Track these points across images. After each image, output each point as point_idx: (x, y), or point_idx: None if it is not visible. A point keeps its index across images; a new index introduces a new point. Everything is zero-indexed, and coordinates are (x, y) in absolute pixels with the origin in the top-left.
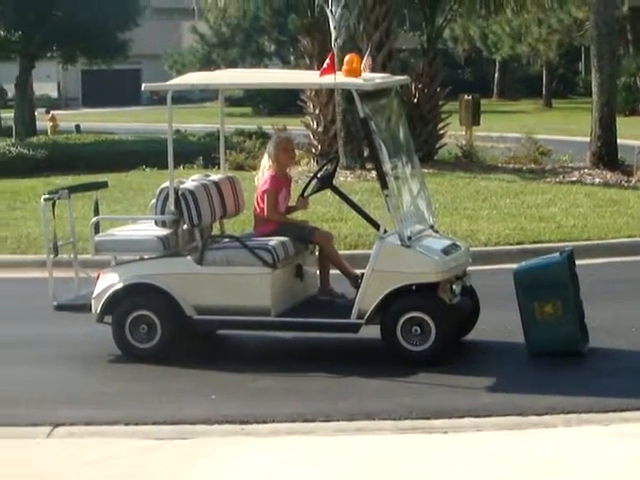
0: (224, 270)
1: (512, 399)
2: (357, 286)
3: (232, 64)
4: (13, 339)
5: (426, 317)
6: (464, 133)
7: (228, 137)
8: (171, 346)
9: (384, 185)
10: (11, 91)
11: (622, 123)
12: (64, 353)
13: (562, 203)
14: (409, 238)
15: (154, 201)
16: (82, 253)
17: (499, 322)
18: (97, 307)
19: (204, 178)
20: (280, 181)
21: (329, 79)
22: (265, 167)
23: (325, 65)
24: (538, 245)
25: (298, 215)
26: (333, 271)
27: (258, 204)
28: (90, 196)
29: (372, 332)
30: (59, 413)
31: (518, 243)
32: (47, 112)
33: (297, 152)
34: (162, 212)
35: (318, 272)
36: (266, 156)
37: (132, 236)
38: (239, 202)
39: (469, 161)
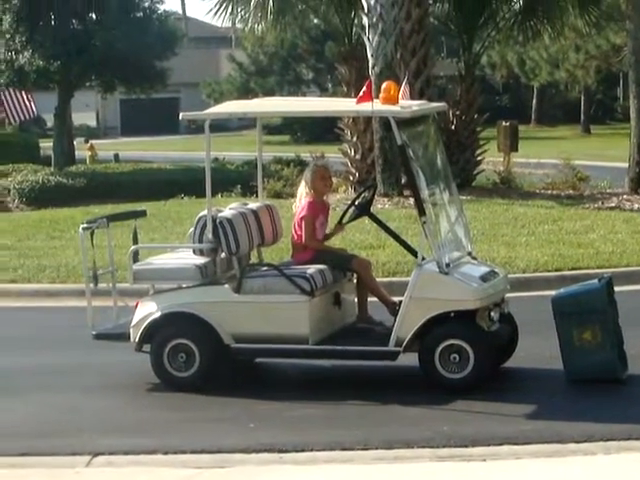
0: (262, 298)
1: (551, 426)
2: (395, 314)
3: (270, 92)
4: (52, 368)
5: (464, 344)
6: (502, 159)
7: (266, 165)
8: (209, 375)
9: (422, 212)
10: (50, 121)
11: None
12: (103, 382)
13: (600, 229)
14: (447, 265)
15: (192, 229)
16: (120, 282)
17: (537, 349)
18: (135, 336)
19: (242, 206)
20: (317, 208)
21: (366, 107)
22: (302, 194)
23: (362, 93)
24: (576, 272)
25: (336, 242)
26: (371, 299)
27: (296, 231)
28: (128, 225)
29: (410, 360)
30: (98, 442)
31: (556, 270)
32: (86, 141)
33: (335, 180)
34: (200, 240)
35: (356, 300)
36: (303, 183)
37: (170, 265)
38: (277, 230)
39: (507, 187)
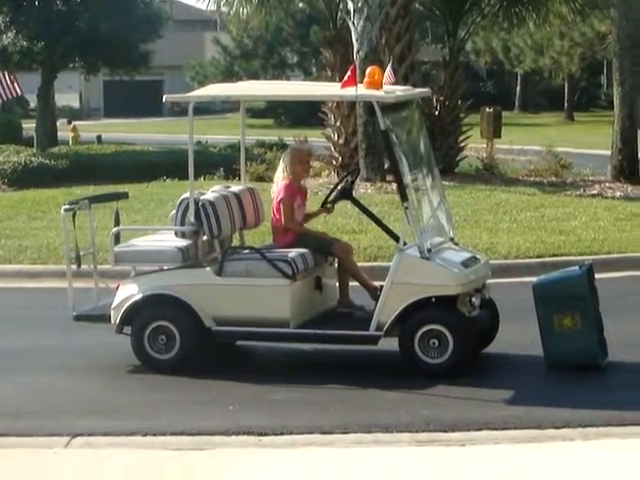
0: (243, 281)
1: (530, 412)
2: (376, 298)
3: (254, 76)
4: (32, 349)
5: (444, 330)
6: (485, 146)
7: (249, 148)
8: (190, 357)
9: (404, 197)
10: (33, 101)
11: None
12: (83, 363)
13: (582, 216)
14: (429, 250)
15: (174, 212)
16: (102, 263)
17: (518, 335)
18: (116, 318)
19: (224, 189)
20: (294, 190)
21: (350, 91)
22: (280, 178)
23: (346, 77)
24: (558, 258)
25: (318, 226)
26: (352, 283)
27: (274, 215)
28: (110, 207)
29: (391, 344)
30: (77, 423)
31: (538, 256)
32: (69, 123)
33: (318, 164)
34: (182, 223)
35: (337, 284)
36: (281, 167)
37: (152, 247)
38: (259, 213)
39: (490, 174)
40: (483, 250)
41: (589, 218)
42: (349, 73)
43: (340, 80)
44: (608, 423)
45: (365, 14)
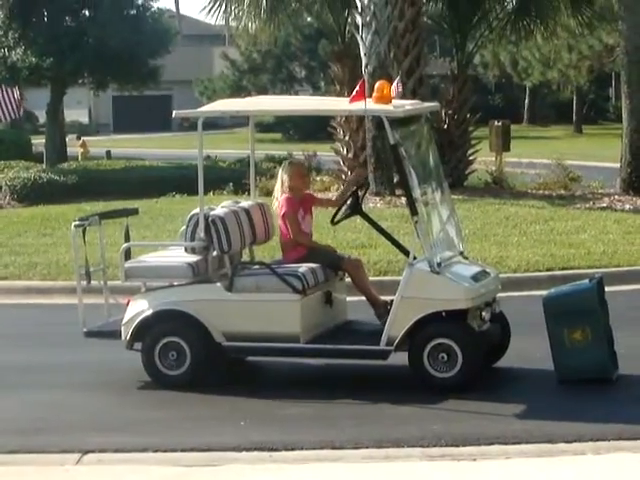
0: (253, 297)
1: (541, 426)
2: (386, 313)
3: (263, 90)
4: (42, 365)
5: (452, 344)
6: (494, 159)
7: (258, 163)
8: (200, 373)
9: (414, 211)
10: (42, 117)
11: None
12: (93, 380)
13: (592, 230)
14: (439, 265)
15: (184, 228)
16: (112, 279)
17: (528, 349)
18: (127, 334)
19: (234, 205)
20: (295, 202)
21: (359, 106)
22: (279, 193)
23: (355, 92)
24: (568, 272)
25: (328, 241)
26: (361, 298)
27: (281, 230)
28: (120, 222)
29: (402, 359)
30: (88, 440)
31: (547, 270)
32: (78, 138)
33: (327, 178)
34: (192, 239)
35: (364, 298)
36: (279, 184)
37: (162, 262)
38: (269, 228)
39: (499, 187)
40: (493, 264)
41: (598, 231)
42: (357, 88)
43: (349, 94)
44: (620, 437)
45: (373, 28)
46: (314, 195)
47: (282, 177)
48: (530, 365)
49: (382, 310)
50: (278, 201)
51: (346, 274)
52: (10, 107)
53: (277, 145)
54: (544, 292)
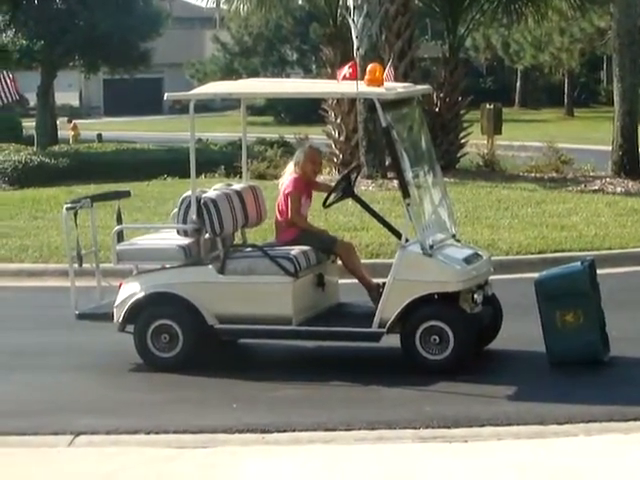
0: (246, 279)
1: (533, 408)
2: (376, 298)
3: (254, 73)
4: (35, 348)
5: (444, 326)
6: (486, 142)
7: (249, 146)
8: (193, 355)
9: (406, 194)
10: (33, 100)
11: None
12: (86, 362)
13: (583, 212)
14: (431, 247)
15: (176, 210)
16: (104, 262)
17: (520, 331)
18: (119, 316)
19: (226, 187)
20: (302, 185)
21: (351, 88)
22: (290, 172)
23: (345, 72)
24: (559, 254)
25: (320, 224)
26: (353, 280)
27: (280, 209)
28: (111, 205)
29: (394, 341)
30: (80, 422)
31: (539, 252)
32: (69, 121)
33: None
34: (184, 221)
35: (357, 281)
36: (292, 163)
37: (154, 245)
38: (261, 211)
39: (490, 170)
40: (484, 246)
41: (590, 214)
42: (347, 68)
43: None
44: (611, 418)
45: (365, 11)
46: (316, 180)
47: (297, 158)
48: (522, 347)
49: (375, 293)
50: (286, 179)
51: (338, 257)
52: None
53: (268, 128)
54: (536, 275)
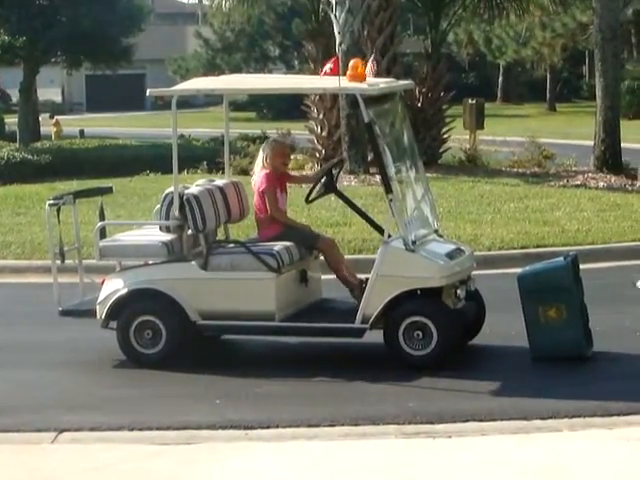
0: (229, 275)
1: (516, 403)
2: (359, 296)
3: (236, 69)
4: (17, 344)
5: (428, 321)
6: (468, 137)
7: (232, 142)
8: (176, 351)
9: (388, 189)
10: (15, 96)
11: (626, 127)
12: (69, 359)
13: (566, 207)
14: (413, 243)
15: (158, 206)
16: (87, 258)
17: (503, 326)
18: (102, 312)
19: (209, 183)
20: (274, 179)
21: (334, 84)
22: (259, 168)
23: (327, 68)
24: (542, 249)
25: (303, 219)
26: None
27: (257, 207)
28: (94, 201)
29: (377, 337)
30: (64, 419)
31: (522, 247)
32: (51, 117)
33: (301, 157)
34: (167, 217)
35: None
36: (260, 158)
37: (137, 241)
38: (244, 207)
39: (473, 165)
40: (467, 242)
41: (573, 209)
42: (330, 64)
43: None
44: (594, 414)
45: (347, 6)
46: (289, 172)
47: (264, 153)
48: (505, 343)
49: (357, 291)
50: (256, 176)
51: (320, 253)
52: None
53: (251, 124)
54: (519, 270)
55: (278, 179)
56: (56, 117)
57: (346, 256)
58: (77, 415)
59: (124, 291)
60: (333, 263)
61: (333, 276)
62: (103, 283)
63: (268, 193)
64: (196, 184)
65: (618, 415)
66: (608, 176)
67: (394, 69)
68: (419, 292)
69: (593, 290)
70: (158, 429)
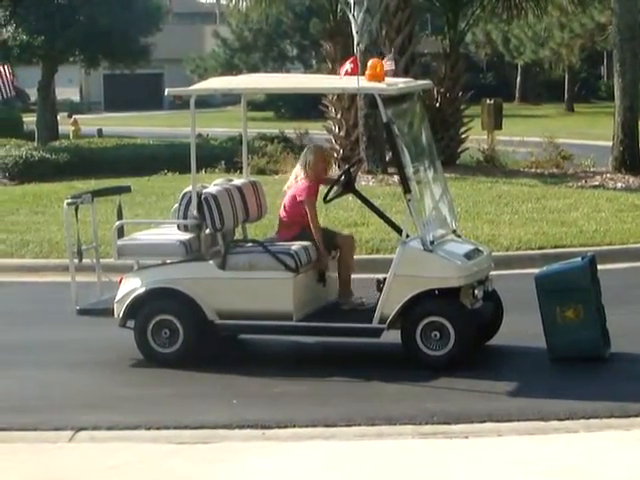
0: (246, 275)
1: (533, 404)
2: (345, 302)
3: (254, 68)
4: (35, 343)
5: (445, 322)
6: (486, 137)
7: (250, 141)
8: (193, 351)
9: (406, 189)
10: (34, 95)
11: None
12: (86, 358)
13: (584, 208)
14: (431, 243)
15: (177, 205)
16: (105, 257)
17: (521, 327)
18: (119, 312)
19: (227, 182)
20: (315, 191)
21: (352, 84)
22: (300, 175)
23: (347, 67)
24: (560, 250)
25: (320, 219)
26: (354, 276)
27: (285, 209)
28: (112, 200)
29: (394, 337)
30: (81, 418)
31: (540, 248)
32: (69, 116)
33: None
34: (185, 216)
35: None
36: (302, 163)
37: (155, 240)
38: (261, 206)
39: (491, 165)
40: (485, 242)
41: (591, 209)
42: (349, 63)
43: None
44: (611, 415)
45: (365, 6)
46: (326, 178)
47: (306, 159)
48: (522, 343)
49: (345, 299)
50: (297, 183)
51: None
52: (5, 85)
53: (269, 123)
54: (536, 270)
55: (316, 191)
56: (74, 116)
57: (363, 256)
58: (94, 414)
59: (142, 290)
60: (347, 261)
61: (353, 275)
62: (121, 282)
63: (309, 205)
64: (214, 183)
65: (636, 416)
66: (626, 177)
67: (412, 69)
68: (437, 292)
69: (611, 291)
70: (175, 428)
